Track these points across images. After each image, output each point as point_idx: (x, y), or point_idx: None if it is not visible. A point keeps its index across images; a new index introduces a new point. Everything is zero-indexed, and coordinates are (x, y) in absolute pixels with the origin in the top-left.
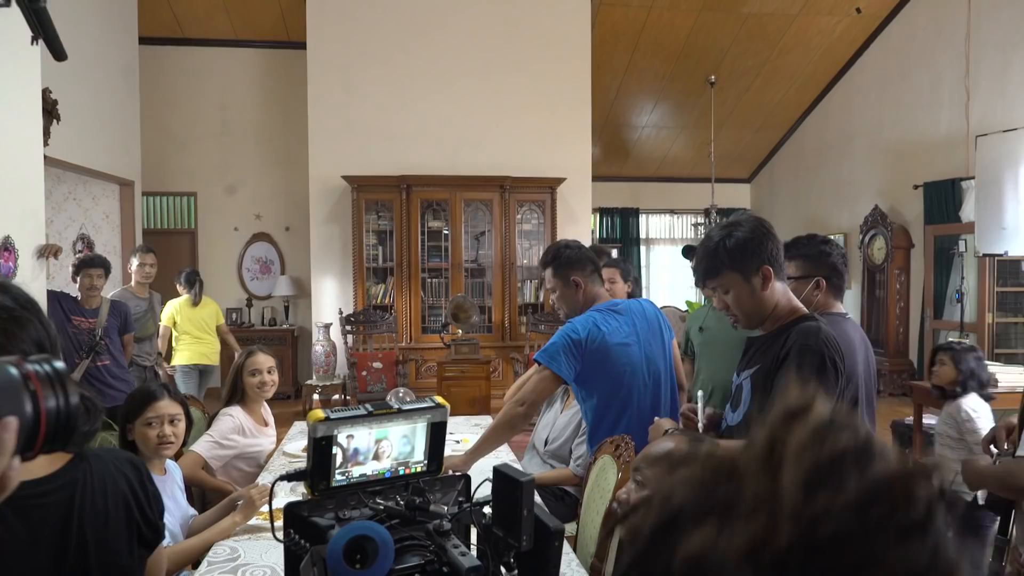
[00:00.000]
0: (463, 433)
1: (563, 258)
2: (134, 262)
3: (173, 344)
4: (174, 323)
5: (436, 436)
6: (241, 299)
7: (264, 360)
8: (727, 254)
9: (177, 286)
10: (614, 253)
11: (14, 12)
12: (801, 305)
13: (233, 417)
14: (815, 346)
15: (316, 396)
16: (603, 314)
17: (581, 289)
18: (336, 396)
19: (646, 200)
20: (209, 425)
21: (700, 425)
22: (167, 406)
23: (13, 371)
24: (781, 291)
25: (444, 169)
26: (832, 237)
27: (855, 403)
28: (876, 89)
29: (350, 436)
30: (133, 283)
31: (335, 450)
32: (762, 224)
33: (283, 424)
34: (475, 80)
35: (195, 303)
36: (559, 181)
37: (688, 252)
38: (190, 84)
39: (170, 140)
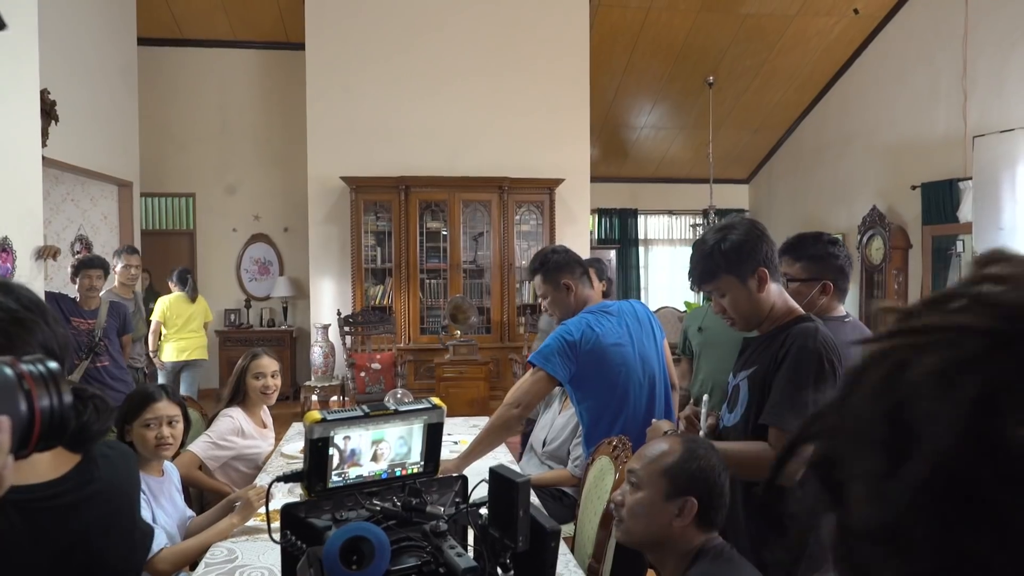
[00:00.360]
0: (461, 434)
1: (551, 263)
2: (118, 264)
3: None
4: (164, 318)
5: (433, 437)
6: (239, 300)
7: (269, 364)
8: (722, 257)
9: (169, 284)
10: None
11: (11, 13)
12: (797, 306)
13: (232, 418)
14: (813, 347)
15: (314, 397)
16: (596, 315)
17: (572, 292)
18: (335, 397)
19: (644, 201)
20: (208, 426)
21: (702, 430)
22: (165, 407)
23: (8, 371)
24: (777, 292)
25: (443, 170)
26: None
27: None
28: (874, 90)
29: (347, 437)
30: (116, 284)
31: (332, 451)
32: (756, 226)
33: (281, 425)
34: (474, 80)
35: (192, 299)
36: (558, 182)
37: None
38: (189, 85)
39: (169, 141)
